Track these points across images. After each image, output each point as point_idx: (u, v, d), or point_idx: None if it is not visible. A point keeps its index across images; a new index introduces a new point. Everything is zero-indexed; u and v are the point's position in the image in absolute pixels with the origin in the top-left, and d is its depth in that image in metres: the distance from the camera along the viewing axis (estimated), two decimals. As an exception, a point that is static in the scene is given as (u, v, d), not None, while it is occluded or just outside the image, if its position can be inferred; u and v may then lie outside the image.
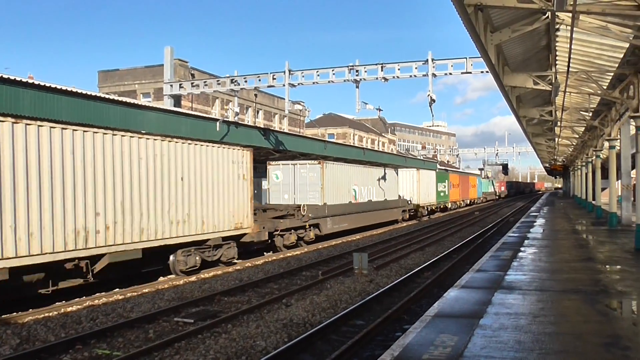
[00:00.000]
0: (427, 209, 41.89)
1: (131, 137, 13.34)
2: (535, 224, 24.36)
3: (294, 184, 24.31)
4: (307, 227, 22.66)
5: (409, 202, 37.41)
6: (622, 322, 7.21)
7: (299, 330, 9.41)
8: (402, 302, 11.04)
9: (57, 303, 11.76)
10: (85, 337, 9.06)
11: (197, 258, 15.47)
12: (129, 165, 13.18)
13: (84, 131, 12.10)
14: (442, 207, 47.11)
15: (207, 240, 15.90)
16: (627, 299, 8.61)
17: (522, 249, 14.84)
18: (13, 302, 11.18)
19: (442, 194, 45.84)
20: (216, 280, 14.51)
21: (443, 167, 62.75)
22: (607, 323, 6.95)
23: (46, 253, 10.99)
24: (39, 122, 11.18)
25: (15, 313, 10.65)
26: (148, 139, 13.90)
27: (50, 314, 10.85)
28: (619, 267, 11.68)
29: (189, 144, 15.35)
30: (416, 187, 38.96)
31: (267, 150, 25.88)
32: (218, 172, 16.33)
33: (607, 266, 11.71)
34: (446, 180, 47.78)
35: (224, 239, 16.58)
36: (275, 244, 20.92)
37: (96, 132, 12.41)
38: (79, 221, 11.78)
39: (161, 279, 14.98)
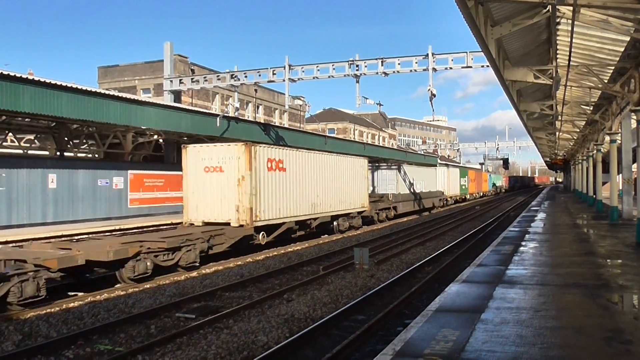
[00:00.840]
0: (453, 199, 51.31)
1: (327, 154, 24.15)
2: (536, 218, 24.36)
3: (378, 180, 35.95)
4: (391, 208, 33.35)
5: (442, 193, 47.03)
6: (624, 316, 7.21)
7: (300, 325, 9.42)
8: (403, 297, 11.05)
9: (58, 300, 11.78)
10: (87, 333, 9.06)
11: (347, 223, 25.61)
12: (326, 170, 23.06)
13: (312, 152, 22.69)
14: (463, 198, 55.73)
15: (350, 213, 25.77)
16: (628, 293, 8.61)
17: (523, 243, 14.84)
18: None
19: (463, 187, 55.45)
20: (217, 276, 14.52)
21: (444, 162, 63.58)
22: (609, 317, 6.95)
23: (303, 215, 21.09)
24: (297, 150, 21.33)
25: (17, 310, 10.67)
26: (331, 154, 24.61)
27: (52, 309, 10.87)
28: (620, 261, 11.68)
29: (344, 156, 25.99)
30: (446, 182, 48.23)
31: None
32: (354, 173, 26.09)
33: (608, 260, 11.71)
34: (466, 176, 57.68)
35: (349, 214, 26.00)
36: (374, 218, 30.86)
37: (314, 152, 22.94)
38: (312, 199, 21.70)
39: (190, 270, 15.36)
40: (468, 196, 58.57)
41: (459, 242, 20.84)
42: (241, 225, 17.42)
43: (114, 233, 19.04)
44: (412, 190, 37.99)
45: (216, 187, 17.89)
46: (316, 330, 8.85)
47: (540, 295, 8.25)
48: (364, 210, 27.53)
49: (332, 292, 11.98)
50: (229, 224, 17.50)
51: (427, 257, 16.84)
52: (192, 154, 18.51)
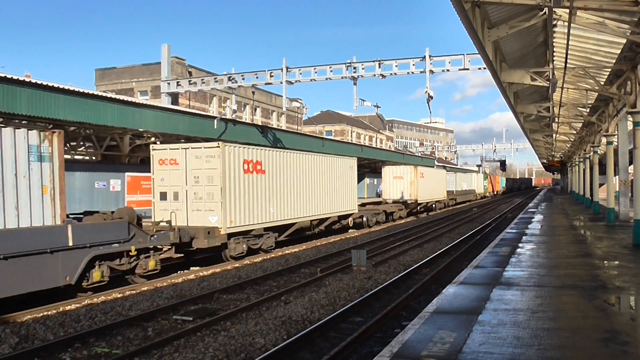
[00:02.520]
0: (480, 195, 70.05)
1: (433, 168, 46.64)
2: (533, 220, 24.41)
3: None
4: (455, 199, 52.04)
5: (474, 191, 65.48)
6: (620, 317, 7.23)
7: (297, 327, 9.41)
8: (400, 299, 11.05)
9: (56, 302, 11.75)
10: (84, 336, 9.05)
11: (441, 204, 46.10)
12: (433, 177, 42.32)
13: (430, 168, 45.92)
14: (484, 195, 73.52)
15: (439, 200, 44.05)
16: (625, 294, 8.63)
17: (520, 245, 14.87)
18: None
19: (485, 187, 74.73)
20: (215, 278, 14.51)
21: (442, 164, 64.46)
22: (606, 318, 6.98)
23: (428, 200, 40.59)
24: (426, 167, 45.13)
25: (13, 312, 10.64)
26: (433, 168, 48.10)
27: (49, 312, 10.84)
28: (617, 262, 11.71)
29: (439, 169, 48.43)
30: (476, 183, 67.37)
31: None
32: (442, 177, 45.69)
33: (605, 262, 11.75)
34: (487, 179, 77.21)
35: (440, 201, 44.53)
36: (447, 204, 48.54)
37: (431, 168, 46.37)
38: (430, 191, 40.50)
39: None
40: (487, 194, 77.80)
41: (456, 244, 20.85)
42: (412, 202, 36.24)
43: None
44: (461, 188, 57.96)
45: (398, 185, 36.37)
46: (314, 332, 8.85)
47: (537, 296, 8.27)
48: (444, 199, 46.47)
49: (329, 294, 11.98)
50: (406, 202, 36.04)
51: (425, 259, 16.84)
52: (387, 170, 37.23)
